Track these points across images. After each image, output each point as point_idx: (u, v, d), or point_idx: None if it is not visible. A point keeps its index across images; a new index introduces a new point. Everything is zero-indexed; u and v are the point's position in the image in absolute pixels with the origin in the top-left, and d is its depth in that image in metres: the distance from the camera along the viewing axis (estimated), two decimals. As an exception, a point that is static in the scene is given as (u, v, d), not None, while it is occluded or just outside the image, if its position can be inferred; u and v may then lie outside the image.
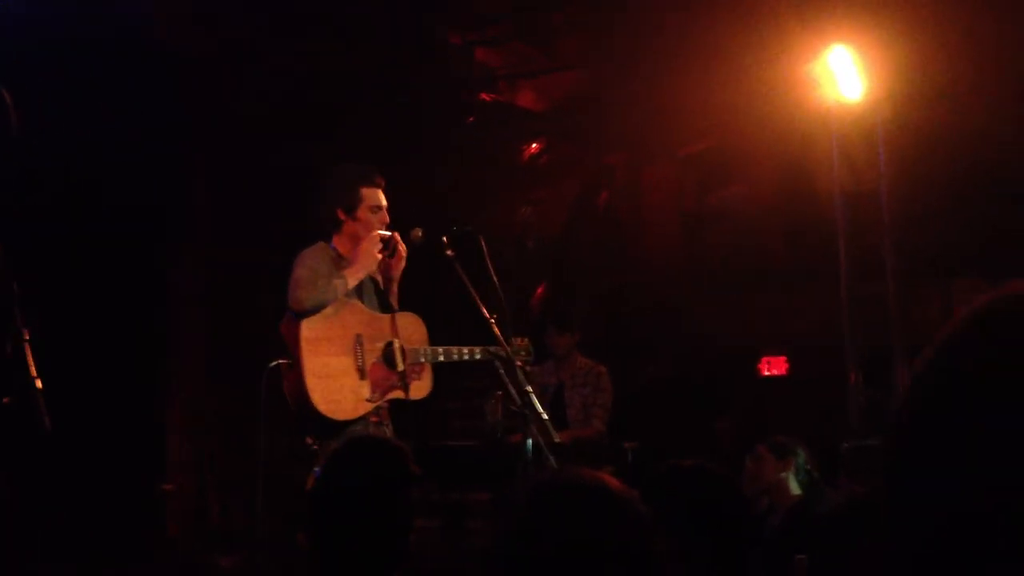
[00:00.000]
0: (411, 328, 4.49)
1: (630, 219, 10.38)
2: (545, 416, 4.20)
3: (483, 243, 4.37)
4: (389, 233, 4.44)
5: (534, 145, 10.24)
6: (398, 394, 4.39)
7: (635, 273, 9.97)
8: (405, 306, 4.55)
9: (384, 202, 4.47)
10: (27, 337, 2.72)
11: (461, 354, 4.53)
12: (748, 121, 8.11)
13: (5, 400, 2.76)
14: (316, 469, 4.03)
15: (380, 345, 4.35)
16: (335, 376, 4.21)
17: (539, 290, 9.51)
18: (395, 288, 4.54)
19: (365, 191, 4.44)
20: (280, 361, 4.18)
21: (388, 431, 4.32)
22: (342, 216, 4.43)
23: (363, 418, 4.25)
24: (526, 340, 4.62)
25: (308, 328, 4.17)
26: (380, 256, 4.41)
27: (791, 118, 7.37)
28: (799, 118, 7.30)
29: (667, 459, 2.16)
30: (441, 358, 4.51)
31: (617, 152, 10.20)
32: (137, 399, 6.82)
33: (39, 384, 2.66)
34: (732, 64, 7.53)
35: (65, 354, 3.60)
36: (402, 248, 4.46)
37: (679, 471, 2.00)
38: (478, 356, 4.50)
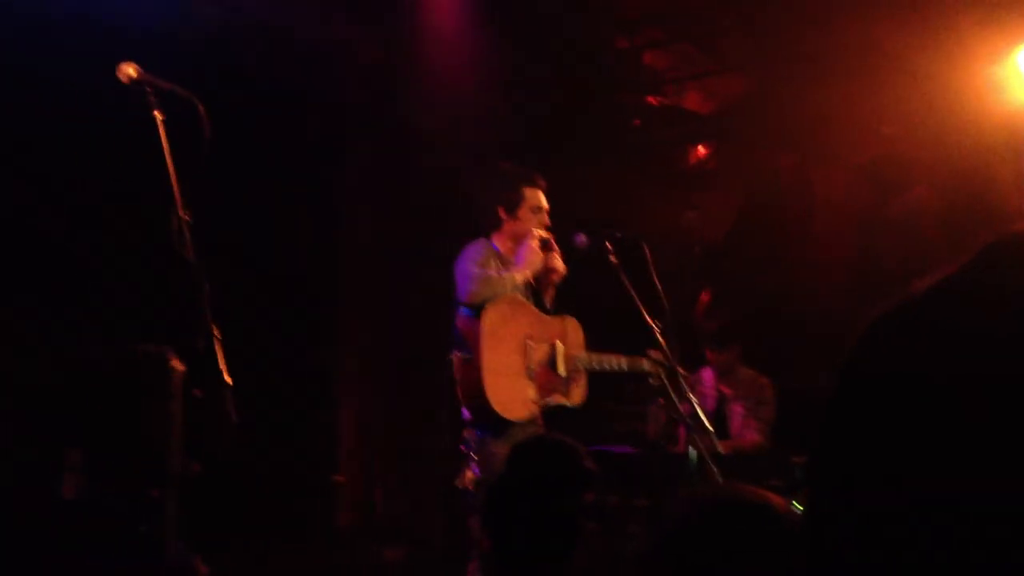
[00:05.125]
0: (573, 333, 4.51)
1: (798, 225, 10.13)
2: (710, 427, 4.17)
3: (647, 250, 4.36)
4: (548, 235, 4.46)
5: (700, 148, 10.13)
6: (558, 399, 4.41)
7: (803, 281, 9.73)
8: (568, 311, 4.58)
9: (545, 204, 4.48)
10: (218, 335, 2.89)
11: (620, 364, 4.52)
12: (924, 129, 7.81)
13: (197, 393, 2.95)
14: (473, 465, 4.10)
15: (545, 347, 4.37)
16: (508, 375, 4.23)
17: (703, 298, 9.39)
18: (552, 292, 4.56)
19: (527, 191, 4.46)
20: (457, 354, 4.21)
21: None
22: (503, 215, 4.45)
23: (530, 420, 4.28)
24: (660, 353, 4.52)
25: (488, 323, 4.19)
26: (543, 256, 4.42)
27: (971, 125, 7.06)
28: (980, 125, 6.99)
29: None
30: (599, 367, 4.51)
31: (785, 155, 9.98)
32: (312, 393, 7.05)
33: (228, 380, 2.82)
34: (905, 67, 7.27)
35: (245, 352, 3.77)
36: (557, 255, 4.46)
37: None
38: (641, 368, 4.47)
